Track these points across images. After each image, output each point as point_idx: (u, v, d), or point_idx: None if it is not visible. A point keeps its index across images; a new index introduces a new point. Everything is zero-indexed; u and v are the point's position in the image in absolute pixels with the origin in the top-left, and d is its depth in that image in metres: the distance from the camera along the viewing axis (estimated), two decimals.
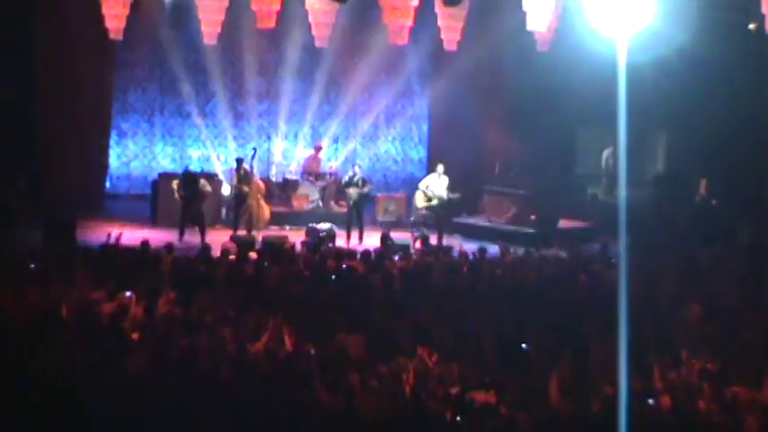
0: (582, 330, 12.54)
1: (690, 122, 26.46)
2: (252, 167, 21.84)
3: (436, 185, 21.83)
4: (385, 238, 18.46)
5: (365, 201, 21.93)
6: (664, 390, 10.50)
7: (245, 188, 21.55)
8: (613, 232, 22.04)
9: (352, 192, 21.53)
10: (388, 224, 22.36)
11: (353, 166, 22.56)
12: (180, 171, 22.24)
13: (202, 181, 21.35)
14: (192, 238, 20.36)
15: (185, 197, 20.75)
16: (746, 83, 24.21)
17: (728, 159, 24.62)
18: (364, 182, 21.80)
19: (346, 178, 22.09)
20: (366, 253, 16.65)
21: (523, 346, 11.83)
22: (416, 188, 22.45)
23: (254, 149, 22.56)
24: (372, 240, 20.11)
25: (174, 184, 21.12)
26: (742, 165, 23.95)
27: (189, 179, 21.19)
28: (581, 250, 17.87)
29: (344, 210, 22.18)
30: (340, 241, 20.37)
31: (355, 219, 21.43)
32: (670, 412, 9.80)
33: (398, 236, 20.05)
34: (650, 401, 10.08)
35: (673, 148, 29.05)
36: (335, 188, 23.15)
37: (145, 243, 16.15)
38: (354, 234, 21.27)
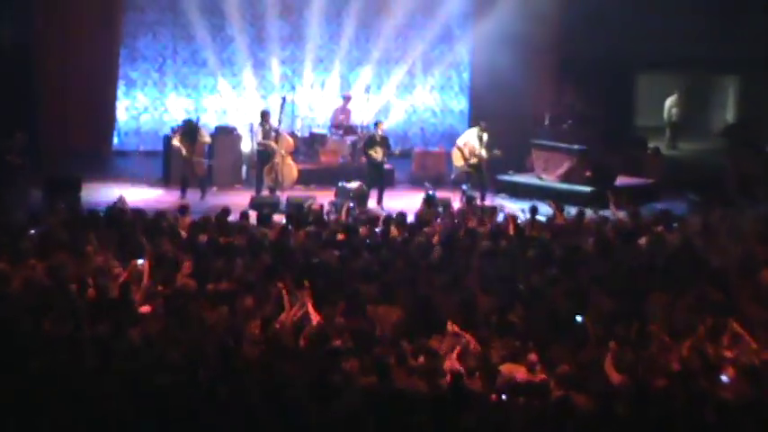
0: (642, 300, 12.49)
1: (763, 65, 26.18)
2: (280, 121, 21.70)
3: (475, 143, 21.60)
4: (430, 199, 18.37)
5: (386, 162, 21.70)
6: (734, 362, 10.46)
7: (272, 144, 21.44)
8: (678, 189, 21.92)
9: (378, 153, 21.15)
10: (430, 181, 21.93)
11: (375, 123, 22.34)
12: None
13: (202, 131, 21.34)
14: (211, 198, 20.49)
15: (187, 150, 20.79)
16: None
17: None
18: (387, 141, 21.50)
19: (368, 138, 21.74)
20: (402, 216, 16.59)
21: (578, 318, 11.81)
22: (454, 144, 22.28)
23: (283, 99, 22.38)
24: (393, 203, 20.13)
25: (176, 139, 21.10)
26: None
27: (188, 129, 21.18)
28: (641, 210, 17.76)
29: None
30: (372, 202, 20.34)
31: (377, 180, 21.14)
32: (740, 389, 9.74)
33: (438, 194, 19.93)
34: (724, 378, 10.03)
35: (744, 95, 28.81)
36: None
37: (161, 211, 16.20)
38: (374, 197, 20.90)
